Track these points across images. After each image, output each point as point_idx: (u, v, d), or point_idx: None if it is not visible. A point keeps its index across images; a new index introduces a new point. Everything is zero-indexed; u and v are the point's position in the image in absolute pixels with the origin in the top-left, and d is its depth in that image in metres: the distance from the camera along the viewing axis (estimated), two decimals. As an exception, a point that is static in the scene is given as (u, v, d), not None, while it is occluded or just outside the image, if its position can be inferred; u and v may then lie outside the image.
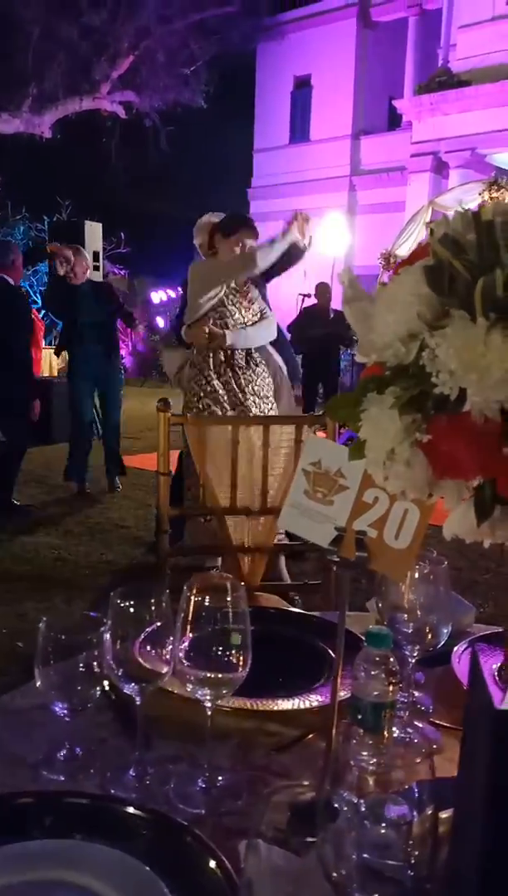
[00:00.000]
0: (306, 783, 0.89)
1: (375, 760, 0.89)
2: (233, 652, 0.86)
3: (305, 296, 8.53)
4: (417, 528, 0.80)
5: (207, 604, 0.85)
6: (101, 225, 8.04)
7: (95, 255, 7.92)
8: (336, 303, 8.18)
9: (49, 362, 10.40)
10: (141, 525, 4.72)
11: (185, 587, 0.86)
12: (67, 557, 4.12)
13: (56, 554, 4.17)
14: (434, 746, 1.00)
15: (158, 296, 17.73)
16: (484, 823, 0.57)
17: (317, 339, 7.93)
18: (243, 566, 2.03)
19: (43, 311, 15.63)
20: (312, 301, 8.44)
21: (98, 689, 0.92)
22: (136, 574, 3.81)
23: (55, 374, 10.48)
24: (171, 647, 0.87)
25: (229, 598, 0.85)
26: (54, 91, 17.31)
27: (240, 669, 0.87)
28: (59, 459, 5.95)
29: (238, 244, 3.41)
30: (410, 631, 1.04)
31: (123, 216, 17.82)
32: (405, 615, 1.05)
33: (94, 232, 7.91)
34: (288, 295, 11.27)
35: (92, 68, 17.65)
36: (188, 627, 0.85)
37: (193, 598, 0.85)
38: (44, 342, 10.75)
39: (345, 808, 0.79)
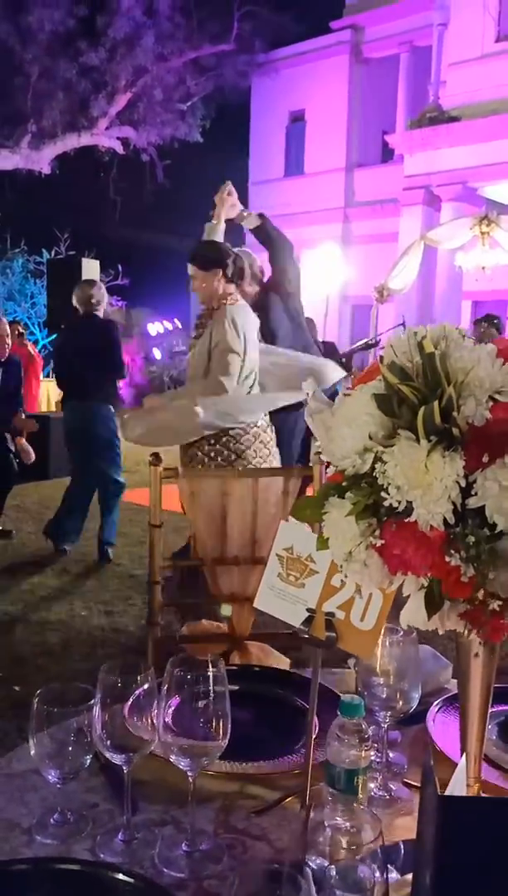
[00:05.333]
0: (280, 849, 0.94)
1: (348, 823, 0.95)
2: (213, 723, 0.92)
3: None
4: (380, 610, 0.87)
5: (188, 679, 0.91)
6: (98, 262, 8.19)
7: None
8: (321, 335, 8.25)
9: (48, 396, 10.49)
10: (136, 563, 4.76)
11: (168, 664, 0.93)
12: (62, 599, 4.16)
13: (51, 594, 4.22)
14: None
15: (154, 327, 17.93)
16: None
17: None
18: (233, 616, 2.09)
19: (41, 344, 15.78)
20: None
21: (88, 757, 0.98)
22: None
23: (53, 408, 10.57)
24: (155, 719, 0.93)
25: (209, 675, 0.92)
26: (53, 128, 17.66)
27: (220, 739, 0.93)
28: (56, 496, 5.99)
29: (216, 278, 3.26)
30: (384, 696, 1.10)
31: (121, 249, 18.08)
32: (380, 679, 1.12)
33: (91, 269, 8.05)
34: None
35: (90, 105, 18.03)
36: (171, 702, 0.92)
37: (175, 673, 0.91)
38: (42, 375, 10.84)
39: (315, 871, 0.85)
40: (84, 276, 8.03)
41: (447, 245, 9.73)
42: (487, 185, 13.97)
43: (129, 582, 4.47)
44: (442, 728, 1.23)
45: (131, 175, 19.70)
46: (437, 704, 1.28)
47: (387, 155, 19.20)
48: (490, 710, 1.32)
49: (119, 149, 18.90)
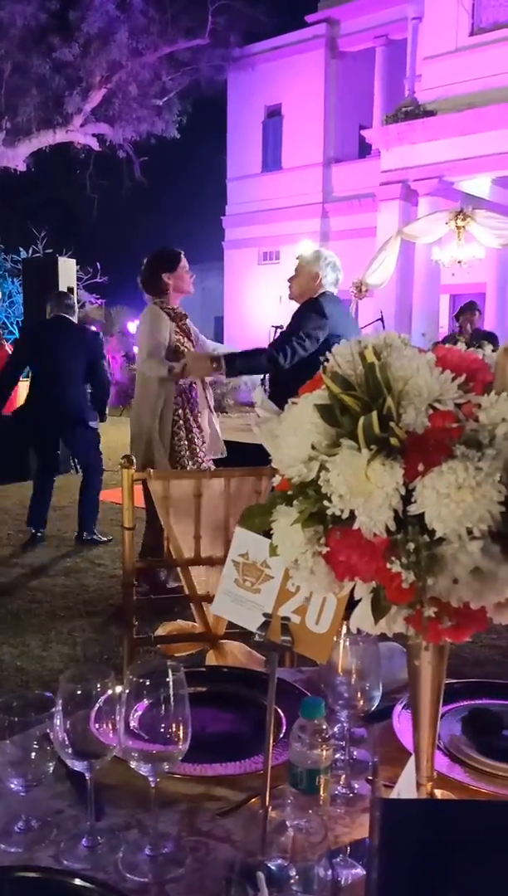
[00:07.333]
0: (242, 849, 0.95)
1: (308, 823, 0.97)
2: (173, 728, 0.93)
3: (277, 327, 8.66)
4: (335, 614, 0.88)
5: (147, 685, 0.92)
6: (74, 261, 8.14)
7: (70, 291, 8.00)
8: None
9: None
10: (118, 563, 4.76)
11: (127, 671, 0.93)
12: (42, 599, 4.15)
13: (31, 595, 4.21)
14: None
15: (134, 325, 17.84)
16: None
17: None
18: (208, 615, 2.10)
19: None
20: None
21: (52, 764, 0.99)
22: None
23: (33, 407, 10.48)
24: (116, 725, 0.94)
25: (169, 680, 0.92)
26: (28, 125, 17.52)
27: (180, 744, 0.94)
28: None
29: (187, 270, 3.81)
30: (346, 695, 1.12)
31: (99, 246, 18.00)
32: (342, 678, 1.13)
33: (67, 268, 8.00)
34: (261, 326, 11.40)
35: (65, 102, 17.90)
36: (131, 708, 0.92)
37: (133, 680, 0.92)
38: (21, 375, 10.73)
39: (274, 872, 0.86)
40: (60, 277, 8.00)
41: (423, 240, 9.78)
42: (463, 179, 14.03)
43: (109, 582, 4.46)
44: (408, 725, 1.24)
45: (108, 172, 19.62)
46: (403, 702, 1.29)
47: (364, 150, 19.24)
48: (456, 705, 1.35)
49: (95, 145, 18.79)
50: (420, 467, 0.64)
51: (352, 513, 0.69)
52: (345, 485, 0.68)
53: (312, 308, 3.47)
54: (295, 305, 3.63)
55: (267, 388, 3.92)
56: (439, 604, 0.66)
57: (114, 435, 8.84)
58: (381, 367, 0.68)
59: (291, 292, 3.68)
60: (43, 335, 5.22)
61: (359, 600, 0.77)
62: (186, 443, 3.74)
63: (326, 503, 0.68)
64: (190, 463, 3.73)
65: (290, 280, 3.68)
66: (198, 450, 3.79)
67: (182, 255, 3.80)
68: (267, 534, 0.78)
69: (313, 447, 0.70)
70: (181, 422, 3.74)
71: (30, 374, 5.42)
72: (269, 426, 0.77)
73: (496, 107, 13.14)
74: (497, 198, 14.44)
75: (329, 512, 0.69)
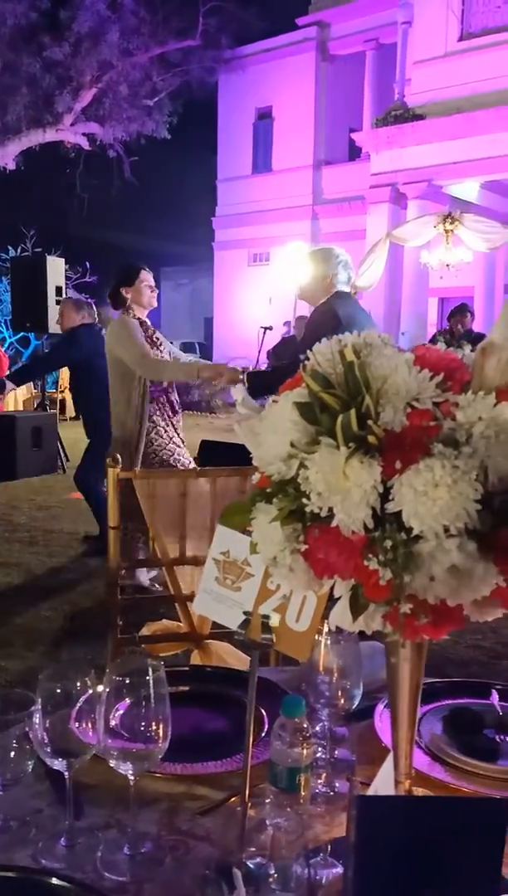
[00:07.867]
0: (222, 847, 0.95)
1: (288, 821, 0.97)
2: (153, 727, 0.93)
3: (266, 329, 8.68)
4: (315, 612, 0.88)
5: (127, 684, 0.92)
6: (63, 260, 8.11)
7: (58, 290, 7.98)
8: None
9: (14, 396, 10.38)
10: (103, 564, 4.74)
11: (108, 669, 0.93)
12: (27, 599, 4.13)
13: (17, 595, 4.19)
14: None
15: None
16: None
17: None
18: (193, 615, 2.10)
19: (7, 343, 15.57)
20: (289, 332, 8.81)
21: (31, 763, 0.99)
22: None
23: (20, 407, 10.49)
24: (96, 724, 0.94)
25: (149, 679, 0.92)
26: (17, 123, 17.47)
27: (160, 742, 0.94)
28: (23, 496, 5.94)
29: (147, 285, 3.81)
30: (327, 694, 1.12)
31: (89, 245, 17.94)
32: (324, 677, 1.13)
33: (56, 267, 7.97)
34: (251, 328, 11.42)
35: (55, 101, 17.86)
36: (112, 707, 0.92)
37: (114, 679, 0.92)
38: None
39: (253, 870, 0.87)
40: (49, 276, 7.96)
41: (412, 243, 9.82)
42: (451, 183, 14.11)
43: (94, 582, 4.45)
44: (389, 724, 1.24)
45: (98, 171, 19.58)
46: (384, 701, 1.29)
47: (354, 152, 19.31)
48: (437, 705, 1.35)
49: (85, 145, 18.76)
50: (398, 465, 0.64)
51: (331, 510, 0.69)
52: (323, 482, 0.68)
53: (325, 314, 3.44)
54: (285, 307, 3.65)
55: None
56: (416, 601, 0.66)
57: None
58: (360, 365, 0.69)
59: (300, 292, 3.68)
60: (94, 342, 5.06)
61: (339, 598, 0.77)
62: (168, 444, 3.74)
63: (305, 501, 0.69)
64: (174, 464, 3.74)
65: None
66: (178, 449, 3.79)
67: (143, 271, 3.81)
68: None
69: (292, 445, 0.70)
70: (160, 428, 3.74)
71: (74, 385, 5.35)
72: (250, 424, 0.77)
73: (484, 111, 13.23)
74: (485, 202, 14.53)
75: (308, 509, 0.69)
